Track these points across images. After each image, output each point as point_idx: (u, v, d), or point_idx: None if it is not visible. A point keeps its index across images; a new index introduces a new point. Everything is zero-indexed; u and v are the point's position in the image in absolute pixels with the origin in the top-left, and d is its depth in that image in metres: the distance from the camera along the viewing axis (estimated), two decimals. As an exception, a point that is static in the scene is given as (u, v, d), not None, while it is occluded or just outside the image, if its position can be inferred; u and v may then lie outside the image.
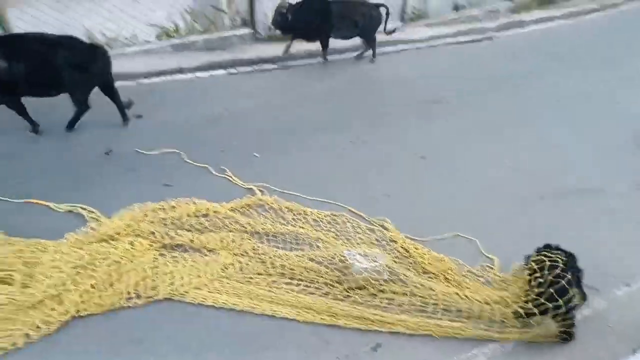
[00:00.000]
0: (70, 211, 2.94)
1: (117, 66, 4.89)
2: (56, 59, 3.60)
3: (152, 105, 4.37)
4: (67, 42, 3.75)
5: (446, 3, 7.98)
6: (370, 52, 5.92)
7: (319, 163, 3.71)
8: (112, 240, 2.65)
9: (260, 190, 3.24)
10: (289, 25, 5.43)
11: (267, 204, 3.11)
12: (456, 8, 8.14)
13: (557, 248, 2.24)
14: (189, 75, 5.04)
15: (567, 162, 3.80)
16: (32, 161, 3.48)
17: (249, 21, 6.02)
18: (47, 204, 2.99)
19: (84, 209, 2.93)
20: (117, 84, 4.55)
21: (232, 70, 5.26)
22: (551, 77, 5.59)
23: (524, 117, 4.58)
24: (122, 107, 4.01)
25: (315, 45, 5.92)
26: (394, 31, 6.10)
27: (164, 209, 2.97)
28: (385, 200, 3.24)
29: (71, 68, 3.65)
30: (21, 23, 5.24)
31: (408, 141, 4.08)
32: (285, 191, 3.24)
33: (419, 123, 4.42)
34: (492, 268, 2.62)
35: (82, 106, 3.88)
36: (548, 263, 2.12)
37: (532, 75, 5.66)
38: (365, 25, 5.71)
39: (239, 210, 3.05)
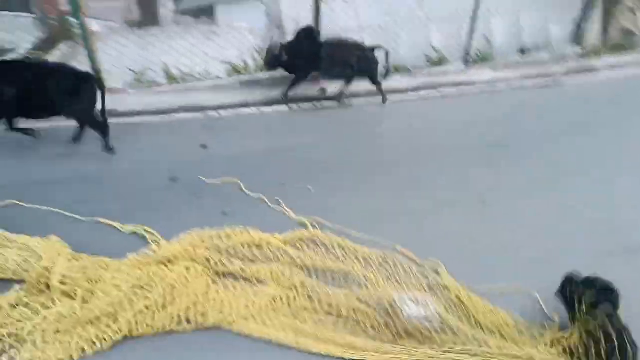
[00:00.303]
0: (134, 232, 3.11)
1: (190, 99, 5.27)
2: (47, 85, 3.91)
3: (218, 136, 4.60)
4: (58, 70, 4.08)
5: (512, 46, 7.86)
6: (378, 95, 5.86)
7: (373, 201, 3.69)
8: (170, 263, 2.76)
9: (313, 225, 3.27)
10: (278, 64, 5.49)
11: (319, 238, 3.12)
12: (522, 51, 7.98)
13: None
14: (254, 110, 5.27)
15: (638, 217, 3.52)
16: (105, 183, 3.74)
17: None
18: (114, 224, 3.18)
19: (147, 231, 3.10)
20: (189, 115, 4.89)
21: (294, 107, 5.43)
22: (623, 126, 5.27)
23: (592, 167, 4.33)
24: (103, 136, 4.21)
25: (369, 84, 6.04)
26: (387, 74, 6.03)
27: (220, 236, 3.06)
28: (440, 243, 3.14)
29: (61, 94, 3.94)
30: (107, 57, 5.78)
31: (468, 184, 3.97)
32: (337, 227, 3.24)
33: (480, 167, 4.30)
34: (552, 326, 2.43)
35: (94, 125, 4.18)
36: (613, 332, 1.97)
37: (603, 123, 5.36)
38: (361, 68, 5.62)
39: (290, 243, 3.08)
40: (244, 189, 3.70)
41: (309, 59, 5.41)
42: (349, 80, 5.73)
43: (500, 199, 3.75)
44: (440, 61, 7.10)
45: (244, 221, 3.21)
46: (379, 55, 5.77)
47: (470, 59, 7.36)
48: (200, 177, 3.82)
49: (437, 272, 2.81)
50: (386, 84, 6.17)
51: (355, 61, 5.53)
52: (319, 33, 5.58)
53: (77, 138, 4.28)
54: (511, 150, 4.64)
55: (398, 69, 6.77)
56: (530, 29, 8.70)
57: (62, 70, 4.16)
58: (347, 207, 3.56)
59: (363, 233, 3.16)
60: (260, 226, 3.15)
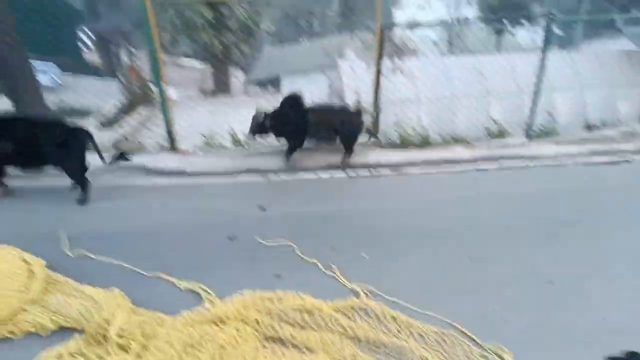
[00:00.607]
0: (190, 289, 3.19)
1: (252, 162, 5.53)
2: (39, 139, 4.24)
3: (277, 198, 4.73)
4: (50, 123, 4.45)
5: (577, 122, 7.67)
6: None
7: (430, 273, 3.56)
8: (221, 323, 2.78)
9: (365, 293, 3.19)
10: (263, 131, 5.59)
11: (371, 308, 3.02)
12: (589, 127, 7.75)
13: None
14: (312, 174, 5.42)
15: None
16: (167, 238, 3.91)
17: (373, 129, 6.40)
18: (172, 279, 3.29)
19: (202, 288, 3.16)
20: (251, 177, 5.10)
21: (352, 173, 5.53)
22: None
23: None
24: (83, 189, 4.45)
25: (436, 154, 6.04)
26: (373, 137, 6.03)
27: (271, 299, 3.06)
28: (503, 325, 2.94)
29: (53, 146, 4.26)
30: (183, 122, 6.27)
31: (533, 262, 3.75)
32: (390, 298, 3.14)
33: (546, 244, 4.07)
34: None
35: (80, 181, 4.45)
36: None
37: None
38: (345, 132, 5.66)
39: (342, 311, 3.00)
40: (298, 252, 3.72)
41: (295, 126, 5.53)
42: (330, 142, 5.80)
43: (569, 279, 3.49)
44: (501, 134, 7.03)
45: (296, 285, 3.21)
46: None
47: (533, 133, 7.23)
48: (257, 238, 3.90)
49: (500, 357, 2.61)
50: (444, 154, 6.17)
51: (339, 125, 5.61)
52: (303, 100, 5.66)
53: (82, 200, 4.52)
54: (579, 228, 4.38)
55: (457, 141, 6.77)
56: (595, 104, 8.52)
57: (54, 124, 4.52)
58: (402, 278, 3.46)
59: (418, 306, 3.04)
60: (313, 291, 3.12)
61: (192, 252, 3.73)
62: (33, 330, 2.72)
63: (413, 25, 7.83)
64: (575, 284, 3.44)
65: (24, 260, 3.10)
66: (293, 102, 5.58)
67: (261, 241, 3.87)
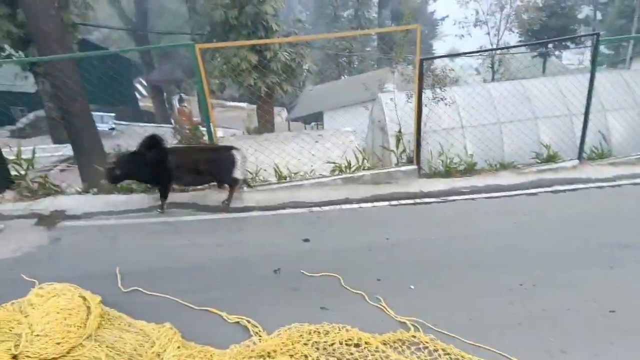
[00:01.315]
0: (237, 322, 3.22)
1: (295, 196, 5.61)
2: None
3: (320, 230, 4.75)
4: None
5: (632, 142, 7.25)
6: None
7: (481, 303, 3.40)
8: (269, 357, 2.77)
9: (414, 326, 3.09)
10: (120, 178, 5.21)
11: (421, 342, 2.92)
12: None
13: None
14: (355, 206, 5.41)
15: None
16: (215, 272, 3.99)
17: (414, 159, 6.36)
18: (220, 313, 3.34)
19: (250, 322, 3.19)
20: (295, 210, 5.18)
21: (394, 203, 5.47)
22: None
23: None
24: None
25: (483, 181, 5.89)
26: (247, 183, 5.80)
27: (318, 332, 3.03)
28: (561, 358, 2.74)
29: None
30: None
31: (591, 290, 3.50)
32: (441, 330, 3.02)
33: (605, 270, 3.80)
34: None
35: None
36: None
37: None
38: (212, 170, 5.30)
39: (390, 345, 2.92)
40: (343, 284, 3.69)
41: (155, 169, 5.14)
42: (201, 182, 5.54)
43: (632, 307, 3.22)
44: (552, 158, 6.76)
45: (342, 317, 3.16)
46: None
47: (586, 155, 6.90)
48: (301, 271, 3.91)
49: (561, 393, 2.42)
50: (491, 181, 6.00)
51: (204, 164, 5.24)
52: (163, 141, 5.26)
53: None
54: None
55: (504, 167, 6.57)
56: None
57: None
58: (451, 309, 3.33)
59: (470, 339, 2.90)
60: (359, 324, 3.07)
61: (238, 285, 3.78)
62: (89, 364, 2.83)
63: (453, 55, 7.81)
64: (637, 311, 3.17)
65: (82, 297, 3.26)
66: (151, 143, 5.16)
67: (305, 273, 3.87)
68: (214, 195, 5.68)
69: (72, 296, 3.20)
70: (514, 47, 22.45)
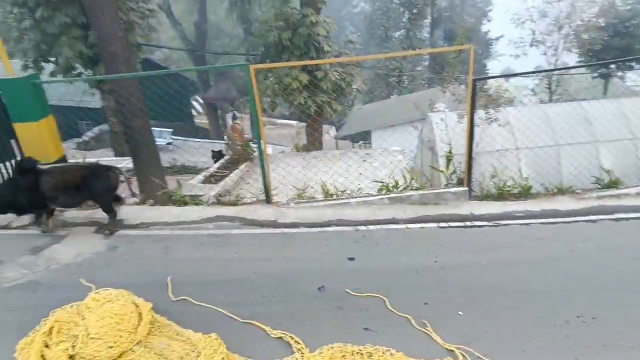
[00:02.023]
0: (280, 338, 3.23)
1: (341, 213, 5.61)
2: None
3: (366, 249, 4.70)
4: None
5: None
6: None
7: (534, 335, 3.22)
8: (310, 374, 2.76)
9: (462, 355, 2.97)
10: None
11: (470, 371, 2.80)
12: None
13: None
14: (402, 226, 5.31)
15: None
16: (260, 286, 4.03)
17: (465, 180, 6.19)
18: (264, 327, 3.36)
19: (292, 338, 3.19)
20: (340, 229, 5.17)
21: (443, 224, 5.33)
22: None
23: None
24: None
25: (538, 205, 5.63)
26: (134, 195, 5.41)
27: (361, 353, 2.98)
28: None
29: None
30: (277, 175, 6.62)
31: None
32: (491, 361, 2.88)
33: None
34: None
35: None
36: None
37: None
38: (90, 189, 4.99)
39: (437, 373, 2.82)
40: (388, 306, 3.61)
41: (29, 193, 4.91)
42: (79, 202, 5.24)
43: None
44: (613, 183, 6.36)
45: (386, 340, 3.10)
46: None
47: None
48: (346, 290, 3.87)
49: None
50: (548, 205, 5.72)
51: (80, 184, 4.99)
52: (32, 163, 5.01)
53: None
54: None
55: (562, 191, 6.25)
56: None
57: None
58: (502, 339, 3.17)
59: (523, 372, 2.75)
60: (404, 348, 3.00)
61: (282, 300, 3.80)
62: (139, 369, 2.92)
63: (508, 75, 7.61)
64: None
65: (134, 303, 3.39)
66: (21, 167, 5.05)
67: (350, 292, 3.83)
68: (262, 210, 5.79)
69: (125, 302, 3.33)
70: (574, 67, 21.52)
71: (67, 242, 5.05)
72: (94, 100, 18.76)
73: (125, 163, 11.05)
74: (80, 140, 20.60)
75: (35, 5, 11.14)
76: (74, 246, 4.92)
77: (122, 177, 5.27)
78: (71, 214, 5.73)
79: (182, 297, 3.83)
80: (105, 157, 13.17)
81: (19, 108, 5.52)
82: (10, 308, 3.77)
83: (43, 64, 12.66)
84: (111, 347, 2.95)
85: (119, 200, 5.47)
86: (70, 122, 20.55)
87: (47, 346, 3.05)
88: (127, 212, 5.75)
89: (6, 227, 5.49)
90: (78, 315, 3.32)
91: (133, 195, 5.43)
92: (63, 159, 6.01)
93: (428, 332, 3.26)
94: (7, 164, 5.99)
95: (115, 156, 14.64)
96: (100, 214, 5.64)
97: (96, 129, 21.43)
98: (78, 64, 12.46)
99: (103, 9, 8.01)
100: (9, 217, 5.23)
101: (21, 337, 3.19)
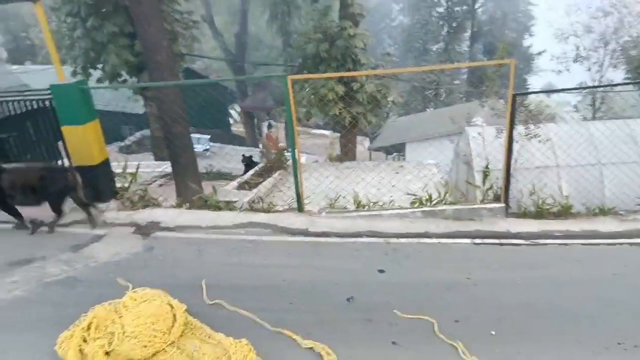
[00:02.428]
0: (311, 348, 3.23)
1: (373, 225, 5.57)
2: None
3: (396, 262, 4.65)
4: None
5: None
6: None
7: (571, 359, 3.09)
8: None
9: (494, 375, 2.88)
10: None
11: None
12: None
13: None
14: (434, 240, 5.23)
15: None
16: (289, 294, 4.05)
17: (502, 196, 6.04)
18: (294, 337, 3.37)
19: (324, 349, 3.18)
20: (371, 240, 5.15)
21: (477, 241, 5.21)
22: None
23: None
24: None
25: (579, 226, 5.42)
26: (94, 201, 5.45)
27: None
28: None
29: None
30: (309, 184, 6.67)
31: None
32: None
33: None
34: None
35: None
36: None
37: None
38: (45, 189, 5.16)
39: (466, 392, 2.75)
40: (417, 319, 3.55)
41: None
42: (34, 203, 5.30)
43: None
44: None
45: (414, 355, 3.04)
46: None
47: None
48: (374, 301, 3.84)
49: None
50: (589, 226, 5.50)
51: (36, 183, 5.15)
52: None
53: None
54: None
55: (604, 212, 6.00)
56: None
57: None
58: (537, 362, 3.06)
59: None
60: (433, 364, 2.93)
61: (310, 309, 3.80)
62: (169, 370, 2.99)
63: (550, 90, 7.41)
64: None
65: (169, 304, 3.47)
66: None
67: (379, 305, 3.79)
68: (294, 218, 5.83)
69: (161, 303, 3.42)
70: (620, 84, 20.68)
71: (106, 241, 5.24)
72: (138, 107, 19.51)
73: (165, 167, 11.41)
74: (122, 144, 21.43)
75: (87, 15, 11.75)
76: (112, 245, 5.11)
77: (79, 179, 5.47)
78: (111, 214, 5.95)
79: (216, 301, 3.89)
80: (145, 161, 13.62)
81: (67, 112, 5.80)
82: (51, 302, 3.94)
83: (91, 70, 13.30)
84: (145, 346, 3.03)
85: (88, 205, 5.62)
86: (114, 127, 21.45)
87: (85, 341, 3.16)
88: (164, 214, 5.93)
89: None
90: (115, 313, 3.43)
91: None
92: (107, 161, 6.27)
93: (458, 348, 3.18)
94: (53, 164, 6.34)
95: (156, 160, 15.13)
96: (138, 215, 5.84)
97: (138, 134, 22.25)
98: (124, 71, 13.02)
99: (149, 20, 8.37)
100: (53, 214, 5.50)
101: (60, 330, 3.33)
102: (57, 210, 5.41)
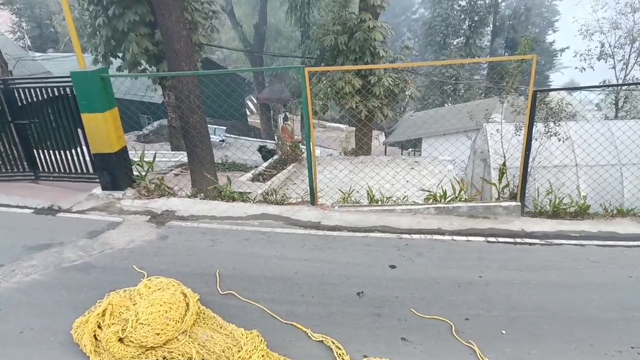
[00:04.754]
0: (321, 341, 3.26)
1: (385, 220, 5.56)
2: None
3: (408, 258, 4.64)
4: None
5: None
6: None
7: (584, 364, 3.05)
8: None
9: (503, 375, 2.86)
10: None
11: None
12: None
13: None
14: (447, 237, 5.20)
15: None
16: (300, 286, 4.07)
17: (518, 195, 5.96)
18: (305, 330, 3.40)
19: (334, 343, 3.20)
20: (383, 235, 5.13)
21: (491, 239, 5.15)
22: None
23: None
24: None
25: (596, 227, 5.33)
26: None
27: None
28: None
29: None
30: (323, 178, 6.66)
31: None
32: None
33: None
34: None
35: None
36: None
37: None
38: None
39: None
40: (427, 316, 3.55)
41: None
42: None
43: None
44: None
45: (424, 354, 3.04)
46: None
47: None
48: (385, 296, 3.84)
49: None
50: (606, 227, 5.39)
51: None
52: None
53: None
54: None
55: (623, 213, 5.88)
56: None
57: None
58: (548, 364, 3.03)
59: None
60: (441, 362, 2.92)
61: (320, 302, 3.82)
62: (181, 359, 3.04)
63: (572, 88, 7.25)
64: None
65: (183, 293, 3.53)
66: None
67: (389, 300, 3.79)
68: (306, 211, 5.85)
69: (174, 291, 3.48)
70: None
71: (121, 228, 5.34)
72: (156, 96, 19.70)
73: (181, 157, 11.52)
74: (140, 132, 21.69)
75: (109, 4, 11.89)
76: (127, 233, 5.20)
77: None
78: (127, 202, 6.05)
79: (228, 292, 3.94)
80: (162, 150, 13.77)
81: (87, 99, 5.88)
82: (67, 287, 4.04)
83: (111, 59, 13.47)
84: (158, 334, 3.09)
85: None
86: (133, 115, 21.70)
87: (99, 327, 3.25)
88: (179, 204, 6.00)
89: (68, 210, 5.88)
90: (130, 300, 3.51)
91: None
92: (125, 149, 6.36)
93: (471, 346, 3.17)
94: (73, 151, 6.46)
95: (172, 149, 15.27)
96: (153, 204, 5.92)
97: (156, 123, 22.47)
98: (143, 60, 13.15)
99: (170, 9, 8.41)
100: (71, 201, 5.60)
101: (76, 315, 3.42)
102: None
